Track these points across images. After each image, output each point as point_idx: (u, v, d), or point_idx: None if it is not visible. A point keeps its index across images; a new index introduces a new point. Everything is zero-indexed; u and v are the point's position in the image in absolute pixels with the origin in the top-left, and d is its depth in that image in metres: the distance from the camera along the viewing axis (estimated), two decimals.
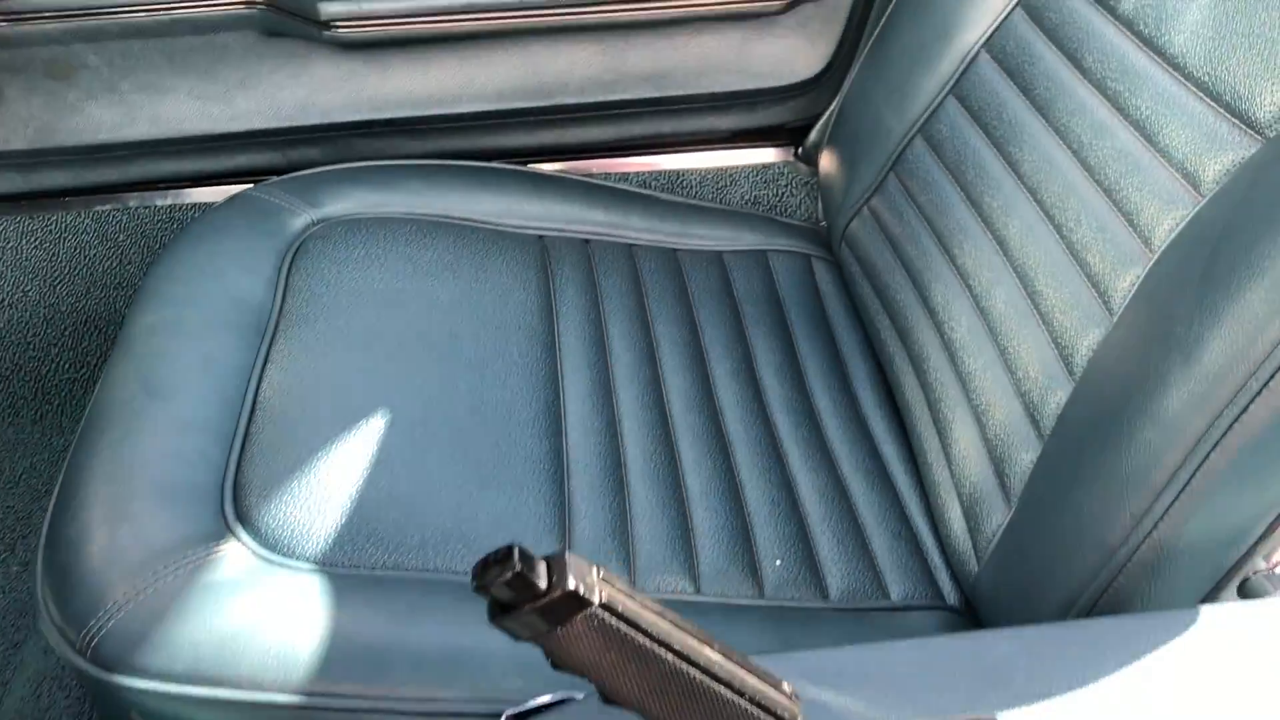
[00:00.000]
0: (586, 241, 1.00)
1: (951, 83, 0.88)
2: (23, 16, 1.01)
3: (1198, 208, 0.62)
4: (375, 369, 0.79)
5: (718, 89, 1.10)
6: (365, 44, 1.03)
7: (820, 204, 1.15)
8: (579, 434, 0.78)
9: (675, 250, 1.02)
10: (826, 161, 1.04)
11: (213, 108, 1.08)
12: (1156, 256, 0.64)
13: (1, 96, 1.05)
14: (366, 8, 0.99)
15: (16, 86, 1.05)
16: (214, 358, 0.78)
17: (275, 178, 1.10)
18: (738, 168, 1.17)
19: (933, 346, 0.83)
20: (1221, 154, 0.62)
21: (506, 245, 0.95)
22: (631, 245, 1.01)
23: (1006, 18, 0.85)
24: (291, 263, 0.88)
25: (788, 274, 1.02)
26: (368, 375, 0.78)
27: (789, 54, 1.10)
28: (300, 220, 0.93)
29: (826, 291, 1.01)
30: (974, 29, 0.87)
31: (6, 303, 1.17)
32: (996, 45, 0.85)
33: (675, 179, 1.16)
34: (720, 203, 1.18)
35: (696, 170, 1.16)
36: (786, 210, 1.19)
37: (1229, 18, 0.63)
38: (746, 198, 1.18)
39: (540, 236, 0.99)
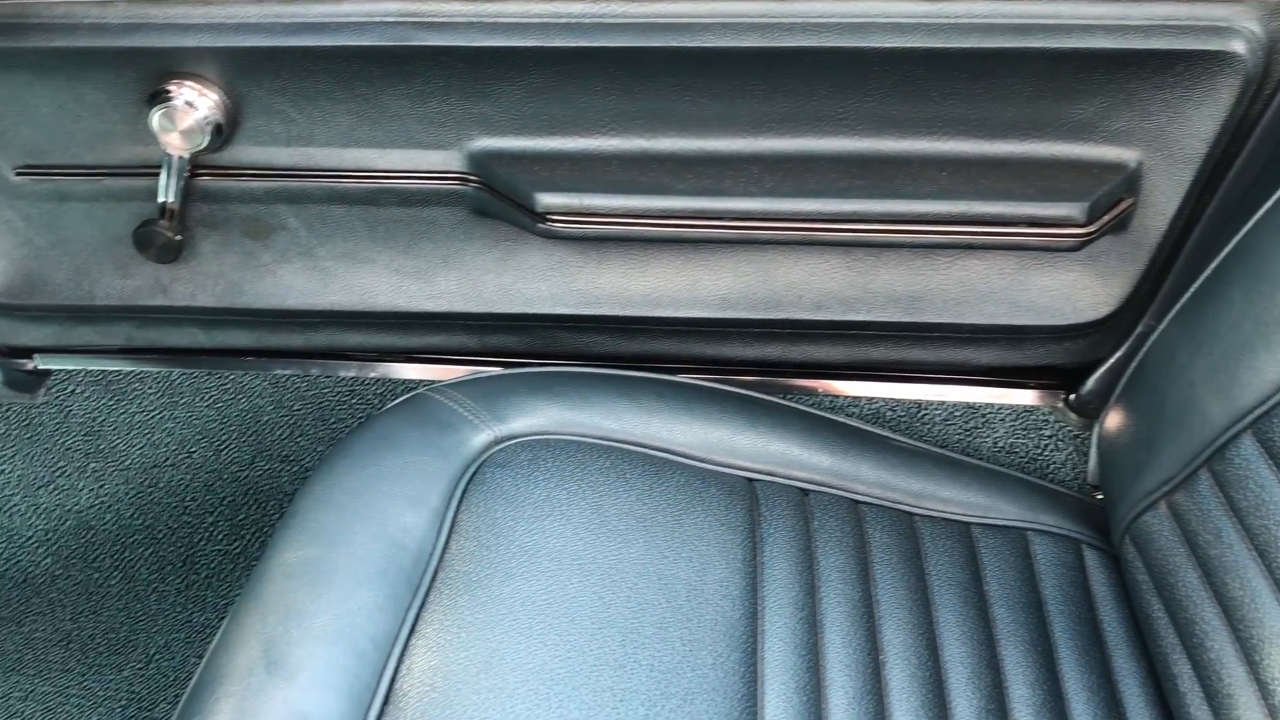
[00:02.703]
0: (805, 493, 0.84)
1: None
2: (228, 172, 0.94)
3: None
4: (538, 668, 0.64)
5: (980, 320, 0.93)
6: (580, 238, 0.91)
7: (1094, 468, 0.95)
8: None
9: (912, 515, 0.85)
10: (1114, 425, 0.85)
11: (410, 284, 0.98)
12: None
13: (196, 251, 0.99)
14: (587, 203, 0.88)
15: (211, 243, 0.98)
16: (353, 625, 0.65)
17: (460, 373, 1.00)
18: (993, 408, 0.99)
19: None
20: None
21: (711, 494, 0.80)
22: (858, 503, 0.84)
23: None
24: (464, 494, 0.76)
25: (1052, 566, 0.82)
26: (528, 676, 0.64)
27: (1072, 290, 0.92)
28: (481, 437, 0.80)
29: (1100, 596, 0.81)
30: None
31: (170, 462, 1.10)
32: None
33: (916, 412, 0.99)
34: (968, 449, 1.00)
35: (943, 405, 0.99)
36: (1049, 467, 0.99)
37: None
38: (1001, 444, 0.99)
39: (751, 481, 0.83)
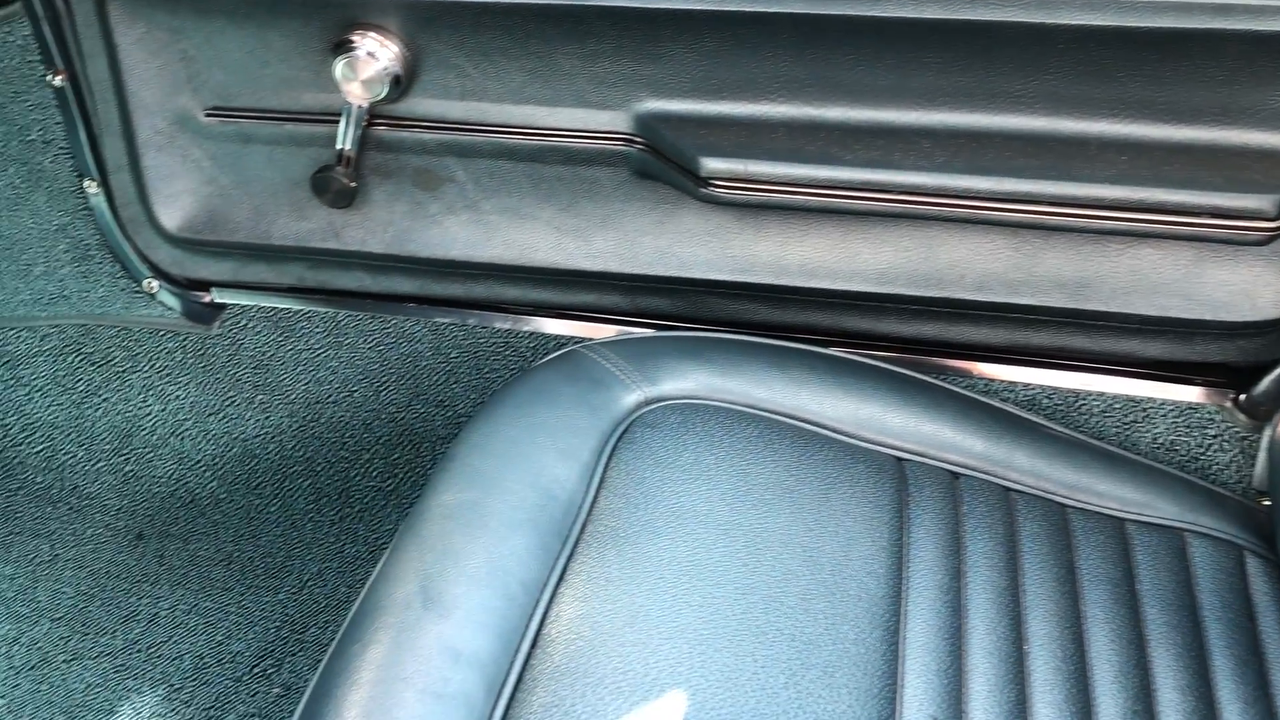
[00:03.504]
0: (955, 477, 0.83)
1: None
2: (403, 123, 0.97)
3: None
4: (682, 628, 0.65)
5: (1149, 311, 0.90)
6: (741, 205, 0.91)
7: (1262, 472, 0.91)
8: None
9: (1065, 507, 0.83)
10: None
11: (569, 241, 1.00)
12: None
13: (368, 199, 1.02)
14: (752, 170, 0.88)
15: (384, 191, 1.02)
16: (505, 569, 0.67)
17: (610, 332, 1.02)
18: (1155, 402, 0.95)
19: None
20: None
21: (859, 470, 0.79)
22: (1010, 490, 0.83)
23: None
24: (613, 452, 0.77)
25: (1210, 571, 0.80)
26: (672, 635, 0.65)
27: (1252, 286, 0.88)
28: (632, 397, 0.82)
29: (1262, 605, 0.78)
30: None
31: (332, 399, 1.14)
32: None
33: (1073, 402, 0.97)
34: (1126, 443, 0.97)
35: (1102, 396, 0.96)
36: (1211, 468, 0.96)
37: None
38: (1161, 441, 0.96)
39: (900, 460, 0.82)
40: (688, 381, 0.84)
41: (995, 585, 0.74)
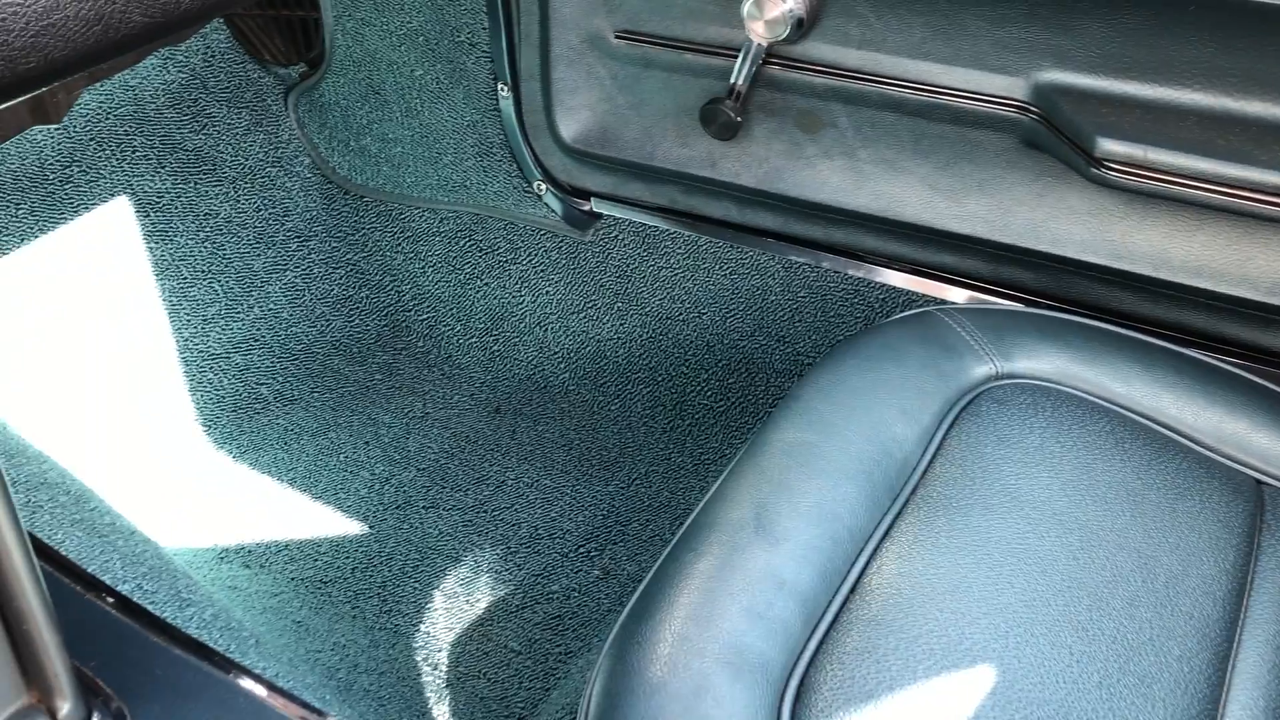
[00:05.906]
0: None
1: None
2: (796, 65, 1.00)
3: None
4: (1003, 607, 0.66)
5: None
6: (1133, 191, 0.88)
7: None
8: None
9: None
10: None
11: (941, 201, 1.00)
12: None
13: (748, 134, 1.06)
14: (1152, 157, 0.84)
15: (764, 127, 1.05)
16: (834, 513, 0.71)
17: (963, 296, 1.01)
18: None
19: None
20: None
21: (1213, 486, 0.76)
22: None
23: None
24: (955, 420, 0.78)
25: None
26: (990, 611, 0.66)
27: None
28: (982, 369, 0.82)
29: None
30: None
31: (682, 317, 1.21)
32: None
33: None
34: None
35: None
36: None
37: None
38: None
39: (1260, 483, 0.78)
40: (1043, 363, 0.83)
41: None
